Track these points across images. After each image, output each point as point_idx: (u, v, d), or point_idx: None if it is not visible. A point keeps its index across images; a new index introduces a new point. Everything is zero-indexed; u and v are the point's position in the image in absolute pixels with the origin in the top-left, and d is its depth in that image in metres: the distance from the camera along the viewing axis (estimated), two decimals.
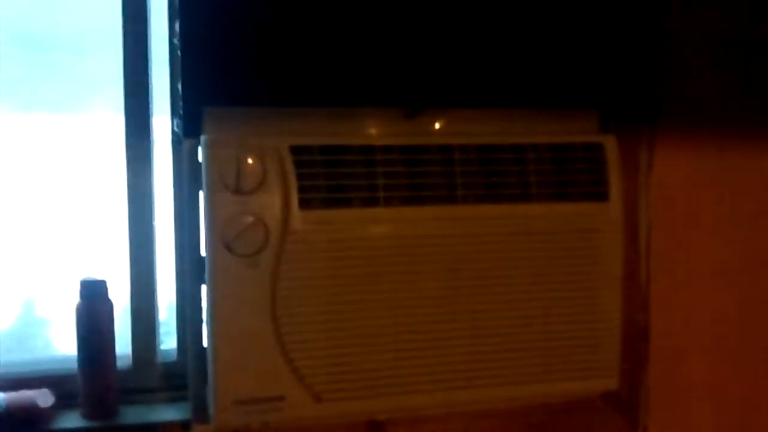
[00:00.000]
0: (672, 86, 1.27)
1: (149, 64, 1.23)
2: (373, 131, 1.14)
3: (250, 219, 1.04)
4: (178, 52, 1.10)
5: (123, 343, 1.23)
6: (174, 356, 1.27)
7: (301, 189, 1.06)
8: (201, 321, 1.12)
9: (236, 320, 1.05)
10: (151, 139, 1.24)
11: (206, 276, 1.06)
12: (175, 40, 1.12)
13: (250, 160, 1.04)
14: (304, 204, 1.06)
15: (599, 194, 1.18)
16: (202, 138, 1.05)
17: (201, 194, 1.07)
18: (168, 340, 1.28)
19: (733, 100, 1.31)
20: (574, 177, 1.17)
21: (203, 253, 1.08)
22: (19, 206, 1.28)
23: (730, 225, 1.33)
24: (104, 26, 1.23)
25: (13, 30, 1.24)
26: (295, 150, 1.06)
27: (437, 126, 1.17)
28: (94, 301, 1.16)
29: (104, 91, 1.26)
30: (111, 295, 1.18)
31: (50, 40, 1.29)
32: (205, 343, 1.10)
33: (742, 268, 1.33)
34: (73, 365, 1.18)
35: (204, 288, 1.08)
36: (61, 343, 1.30)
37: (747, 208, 1.33)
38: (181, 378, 1.21)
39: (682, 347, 1.32)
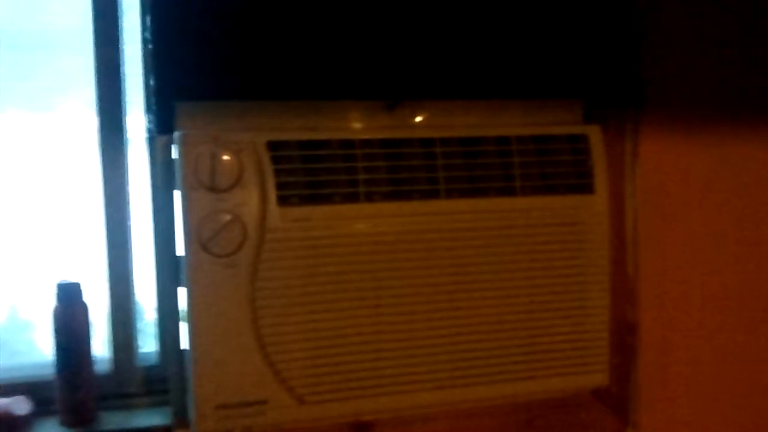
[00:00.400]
0: (657, 74, 1.24)
1: (122, 60, 1.20)
2: (353, 125, 1.12)
3: (226, 217, 1.01)
4: (150, 46, 1.07)
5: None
6: (155, 359, 1.24)
7: (279, 185, 1.03)
8: (179, 323, 1.09)
9: (214, 322, 1.02)
10: (125, 137, 1.21)
11: (183, 277, 1.03)
12: (147, 34, 1.09)
13: (225, 157, 1.01)
14: (283, 201, 1.03)
15: (584, 186, 1.16)
16: (175, 134, 1.02)
17: (176, 193, 1.04)
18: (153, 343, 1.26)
19: (721, 85, 1.29)
20: (558, 169, 1.15)
21: (180, 253, 1.05)
22: None
23: (719, 214, 1.31)
24: (78, 23, 1.20)
25: None
26: (272, 145, 1.03)
27: (419, 118, 1.15)
28: (69, 305, 1.14)
29: (79, 89, 1.23)
30: (87, 298, 1.16)
31: (23, 38, 1.27)
32: (183, 346, 1.07)
33: (734, 258, 1.32)
34: (51, 370, 1.15)
35: (181, 289, 1.05)
36: (45, 346, 1.27)
37: (737, 197, 1.31)
38: (162, 382, 1.18)
39: (672, 340, 1.30)
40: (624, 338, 1.26)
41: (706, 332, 1.31)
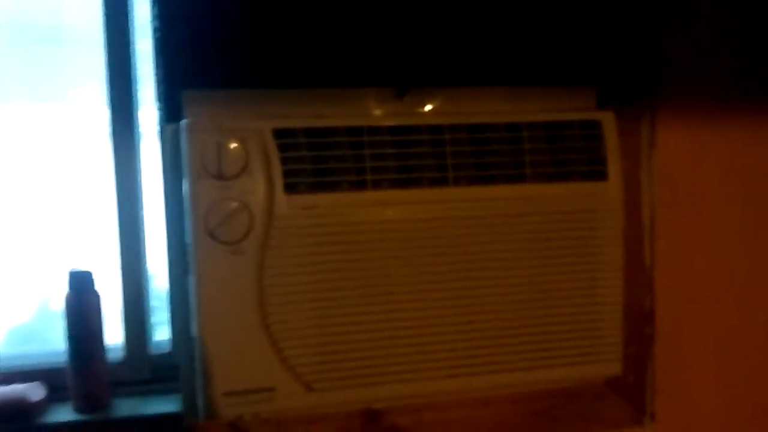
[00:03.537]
0: (674, 59, 1.22)
1: (133, 53, 1.21)
2: (361, 112, 1.11)
3: (233, 205, 1.01)
4: (158, 34, 1.07)
5: None
6: (168, 347, 1.25)
7: (286, 173, 1.03)
8: (189, 311, 1.10)
9: (222, 309, 1.03)
10: (136, 128, 1.22)
11: (190, 264, 1.03)
12: (155, 23, 1.09)
13: (231, 144, 1.01)
14: (290, 188, 1.03)
15: (597, 173, 1.14)
16: (182, 123, 1.02)
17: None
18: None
19: (741, 71, 1.26)
20: (570, 156, 1.13)
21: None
22: (9, 200, 1.28)
23: (738, 202, 1.28)
24: (92, 15, 1.22)
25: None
26: (279, 133, 1.03)
27: (428, 106, 1.14)
28: (81, 293, 1.15)
29: (93, 81, 1.25)
30: (100, 287, 1.17)
31: (38, 31, 1.28)
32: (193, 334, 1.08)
33: (753, 247, 1.29)
34: (65, 358, 1.17)
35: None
36: None
37: (756, 185, 1.29)
38: (174, 370, 1.19)
39: (690, 330, 1.28)
40: (640, 328, 1.24)
41: (725, 322, 1.29)
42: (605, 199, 1.14)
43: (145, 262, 1.23)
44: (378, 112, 1.11)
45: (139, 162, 1.22)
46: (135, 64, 1.21)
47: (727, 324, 1.29)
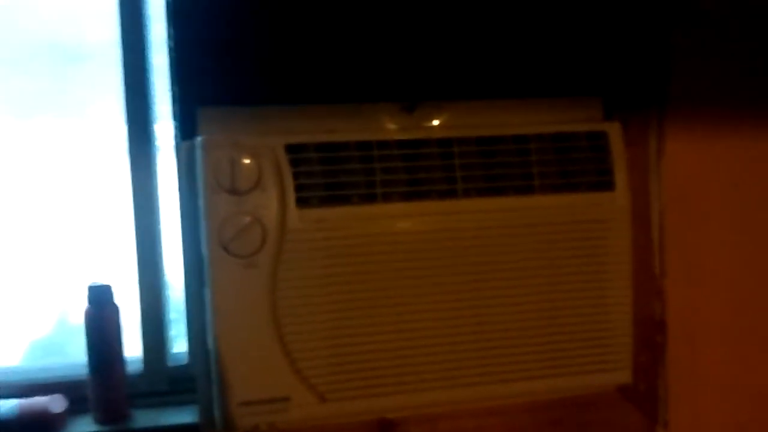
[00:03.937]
0: (681, 68, 1.23)
1: (149, 70, 1.24)
2: (372, 126, 1.13)
3: (246, 219, 1.03)
4: (173, 54, 1.10)
5: None
6: (185, 359, 1.28)
7: (298, 187, 1.05)
8: (205, 323, 1.12)
9: (237, 321, 1.05)
10: (153, 144, 1.25)
11: (205, 278, 1.05)
12: (171, 43, 1.12)
13: (245, 160, 1.03)
14: (301, 202, 1.05)
15: (605, 183, 1.15)
16: (197, 139, 1.05)
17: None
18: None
19: (750, 81, 1.27)
20: (578, 167, 1.14)
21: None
22: (27, 214, 1.31)
23: (747, 212, 1.29)
24: (109, 35, 1.25)
25: (17, 38, 1.26)
26: (291, 148, 1.05)
27: (437, 119, 1.15)
28: (100, 306, 1.17)
29: (110, 99, 1.28)
30: (118, 300, 1.19)
31: (57, 50, 1.31)
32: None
33: (761, 254, 1.29)
34: (86, 370, 1.19)
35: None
36: None
37: (765, 193, 1.29)
38: (192, 381, 1.21)
39: (700, 338, 1.28)
40: (651, 336, 1.25)
41: (736, 330, 1.29)
42: (613, 209, 1.16)
43: (162, 275, 1.26)
44: (389, 127, 1.13)
45: (156, 176, 1.25)
46: (151, 80, 1.24)
47: (738, 331, 1.30)
